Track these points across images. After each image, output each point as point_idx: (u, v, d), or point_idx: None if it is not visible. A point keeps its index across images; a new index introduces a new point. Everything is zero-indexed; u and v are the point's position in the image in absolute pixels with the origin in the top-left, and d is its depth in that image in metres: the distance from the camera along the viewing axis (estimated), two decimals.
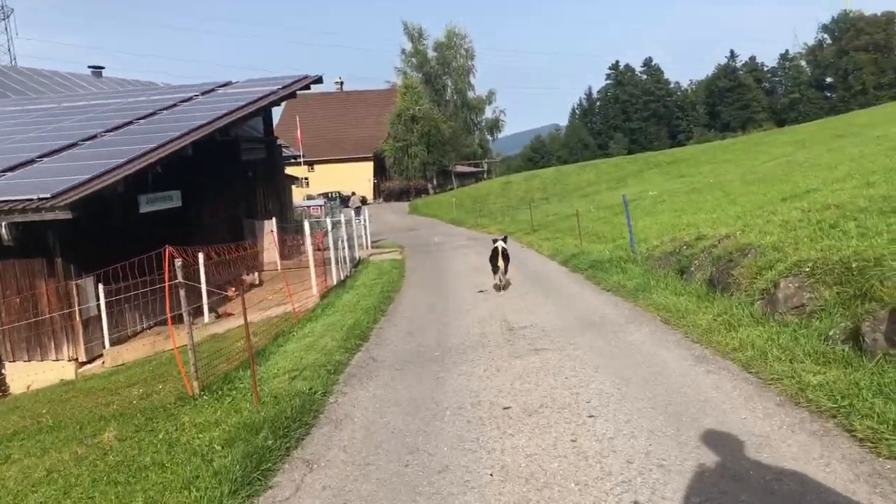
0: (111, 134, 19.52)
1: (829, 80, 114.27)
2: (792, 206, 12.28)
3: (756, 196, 17.03)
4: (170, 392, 8.05)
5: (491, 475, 4.71)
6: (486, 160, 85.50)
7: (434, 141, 66.94)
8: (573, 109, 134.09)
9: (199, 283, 16.19)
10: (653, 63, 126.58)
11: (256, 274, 21.17)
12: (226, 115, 20.49)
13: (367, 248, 26.27)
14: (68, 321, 14.81)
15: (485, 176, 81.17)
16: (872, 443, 4.52)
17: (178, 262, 7.19)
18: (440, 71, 78.88)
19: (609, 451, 4.89)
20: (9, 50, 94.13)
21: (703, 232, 12.02)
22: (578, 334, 8.67)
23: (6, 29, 72.57)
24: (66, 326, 14.86)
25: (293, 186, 40.33)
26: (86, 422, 7.35)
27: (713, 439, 4.91)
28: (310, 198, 52.74)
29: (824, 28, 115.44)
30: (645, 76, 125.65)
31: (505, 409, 6.01)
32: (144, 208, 18.25)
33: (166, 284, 7.47)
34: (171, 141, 17.78)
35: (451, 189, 65.44)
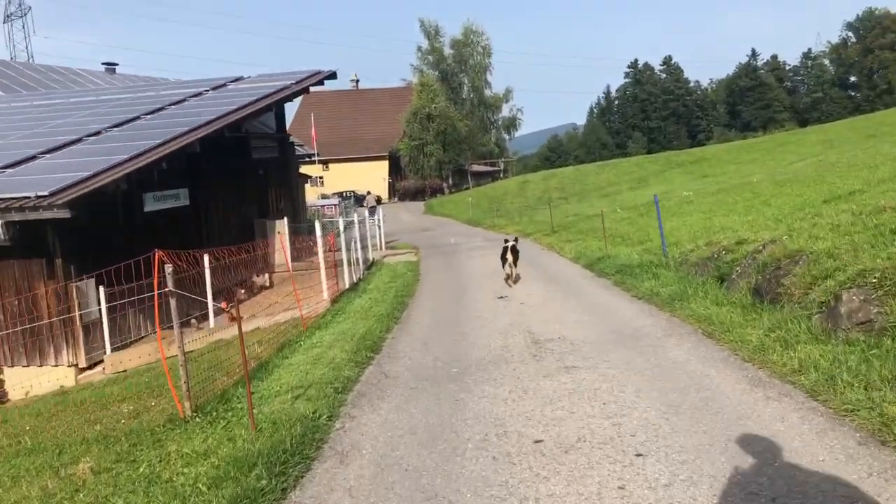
0: (116, 129, 18.91)
1: (852, 79, 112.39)
2: (838, 209, 11.37)
3: (791, 198, 16.08)
4: (162, 411, 7.31)
5: None
6: (502, 159, 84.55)
7: (450, 139, 66.16)
8: (591, 108, 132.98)
9: (206, 286, 15.55)
10: (672, 62, 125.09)
11: (267, 276, 20.49)
12: (236, 110, 19.82)
13: (381, 248, 25.53)
14: (68, 325, 14.17)
15: (501, 175, 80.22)
16: None
17: (169, 269, 6.44)
18: (457, 69, 78.15)
19: (666, 503, 4.08)
20: (26, 48, 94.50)
21: (742, 236, 11.13)
22: (612, 349, 7.85)
23: (24, 27, 72.68)
24: (67, 330, 14.23)
25: (307, 185, 39.73)
26: (66, 445, 6.63)
27: (792, 490, 4.07)
28: (324, 197, 52.11)
29: (849, 26, 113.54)
30: (664, 75, 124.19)
31: (536, 442, 5.20)
32: (150, 207, 17.61)
33: (155, 293, 6.74)
34: (178, 137, 17.13)
35: (467, 188, 64.60)
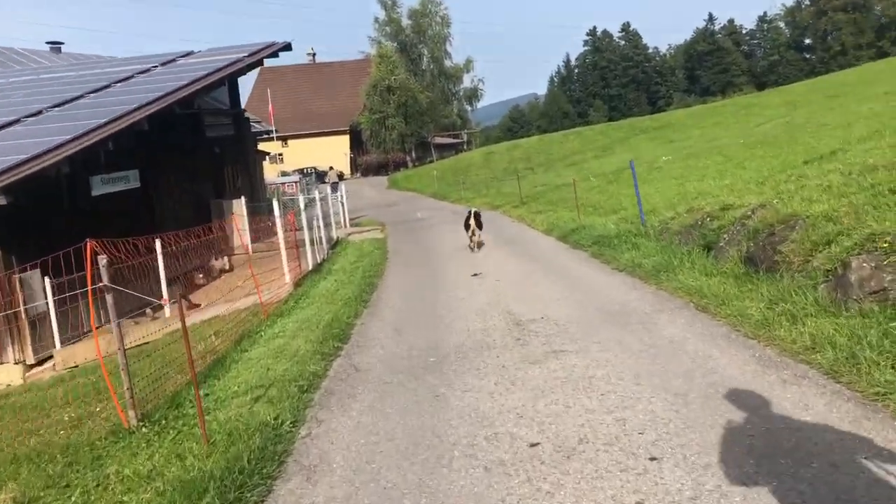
0: (58, 109, 17.69)
1: (807, 41, 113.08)
2: (822, 169, 10.88)
3: (767, 160, 15.61)
4: (106, 419, 6.51)
5: None
6: (465, 130, 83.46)
7: (411, 112, 64.84)
8: (552, 78, 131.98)
9: (160, 273, 14.62)
10: (631, 28, 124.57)
11: (227, 259, 19.51)
12: (186, 85, 18.70)
13: (345, 226, 24.64)
14: (13, 320, 13.16)
15: (465, 147, 79.16)
16: None
17: (103, 261, 5.62)
18: (415, 39, 76.42)
19: None
20: None
21: (726, 201, 10.58)
22: (600, 328, 7.23)
23: None
24: (11, 326, 13.21)
25: (266, 163, 38.46)
26: None
27: (840, 495, 3.48)
28: (284, 174, 50.74)
29: None
30: (623, 42, 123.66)
31: (532, 446, 4.54)
32: (97, 190, 16.55)
33: (89, 289, 5.90)
34: (124, 115, 16.01)
35: (431, 161, 63.57)
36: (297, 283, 13.15)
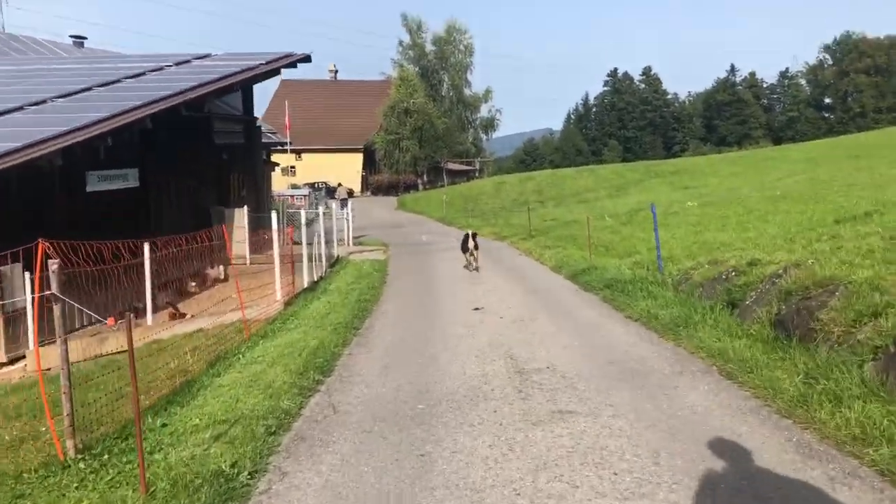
0: (63, 100, 17.10)
1: (828, 100, 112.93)
2: (858, 231, 10.16)
3: (792, 215, 14.86)
4: (47, 443, 5.73)
5: None
6: (479, 159, 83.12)
7: (427, 136, 64.58)
8: (569, 114, 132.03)
9: (147, 278, 13.90)
10: (651, 72, 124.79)
11: (222, 268, 18.81)
12: (196, 86, 18.12)
13: (348, 243, 23.96)
14: None
15: (477, 175, 78.78)
16: None
17: (54, 266, 4.90)
18: (437, 65, 76.57)
19: None
20: None
21: (753, 256, 9.82)
22: (614, 388, 6.44)
23: None
24: None
25: (278, 174, 37.94)
26: None
27: None
28: (294, 187, 50.27)
29: (826, 48, 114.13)
30: (643, 85, 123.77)
31: None
32: (93, 187, 15.95)
33: (36, 296, 5.18)
34: (127, 111, 15.38)
35: (442, 186, 63.04)
36: (289, 302, 12.41)
